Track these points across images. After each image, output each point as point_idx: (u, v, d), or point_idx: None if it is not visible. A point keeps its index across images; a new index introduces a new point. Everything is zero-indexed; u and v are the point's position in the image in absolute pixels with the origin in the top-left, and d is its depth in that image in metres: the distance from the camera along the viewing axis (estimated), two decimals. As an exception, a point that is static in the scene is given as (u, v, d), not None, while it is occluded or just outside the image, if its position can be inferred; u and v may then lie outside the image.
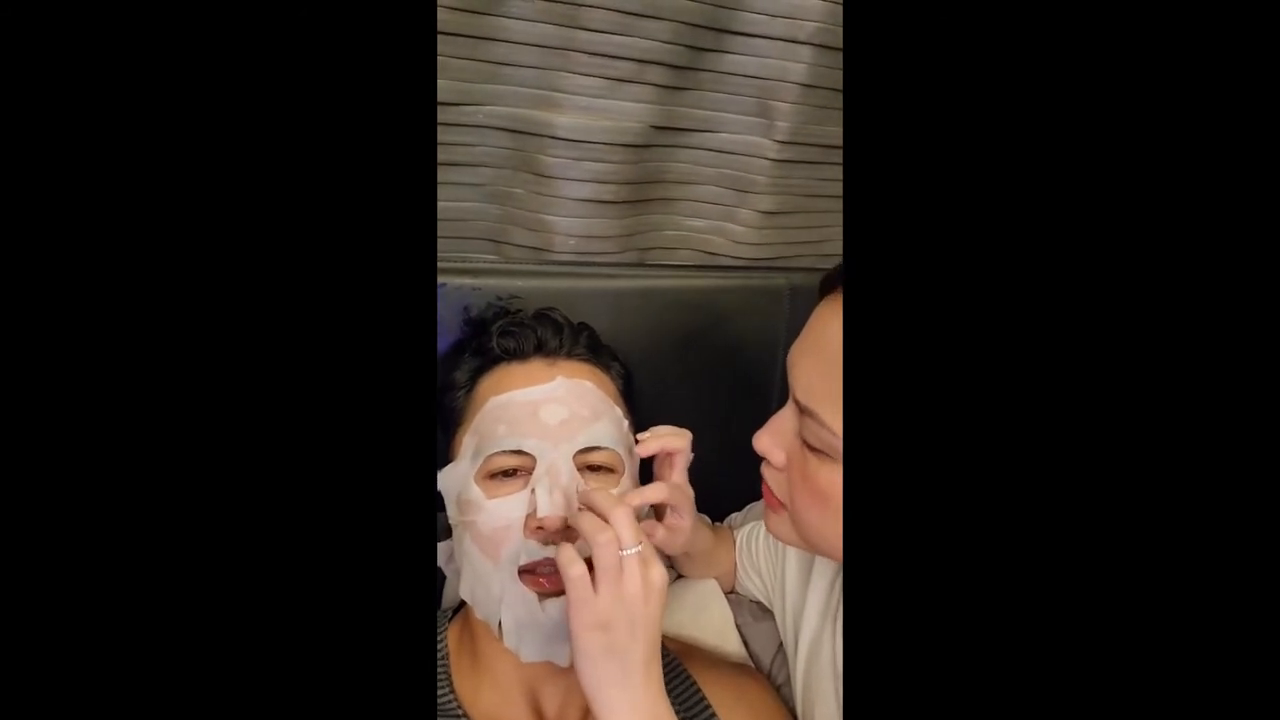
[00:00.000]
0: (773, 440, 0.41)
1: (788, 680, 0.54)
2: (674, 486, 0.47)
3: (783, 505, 0.41)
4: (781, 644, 0.57)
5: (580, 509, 0.39)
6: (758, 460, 0.72)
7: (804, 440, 0.38)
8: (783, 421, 0.40)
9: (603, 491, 0.40)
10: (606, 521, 0.37)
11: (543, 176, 0.58)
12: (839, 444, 0.36)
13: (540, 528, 0.40)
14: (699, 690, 0.46)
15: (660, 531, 0.48)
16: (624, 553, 0.36)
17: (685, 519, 0.49)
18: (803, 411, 0.38)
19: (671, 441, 0.47)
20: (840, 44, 0.59)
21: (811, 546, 0.42)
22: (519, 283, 0.58)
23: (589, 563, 0.36)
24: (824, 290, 0.40)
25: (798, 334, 0.68)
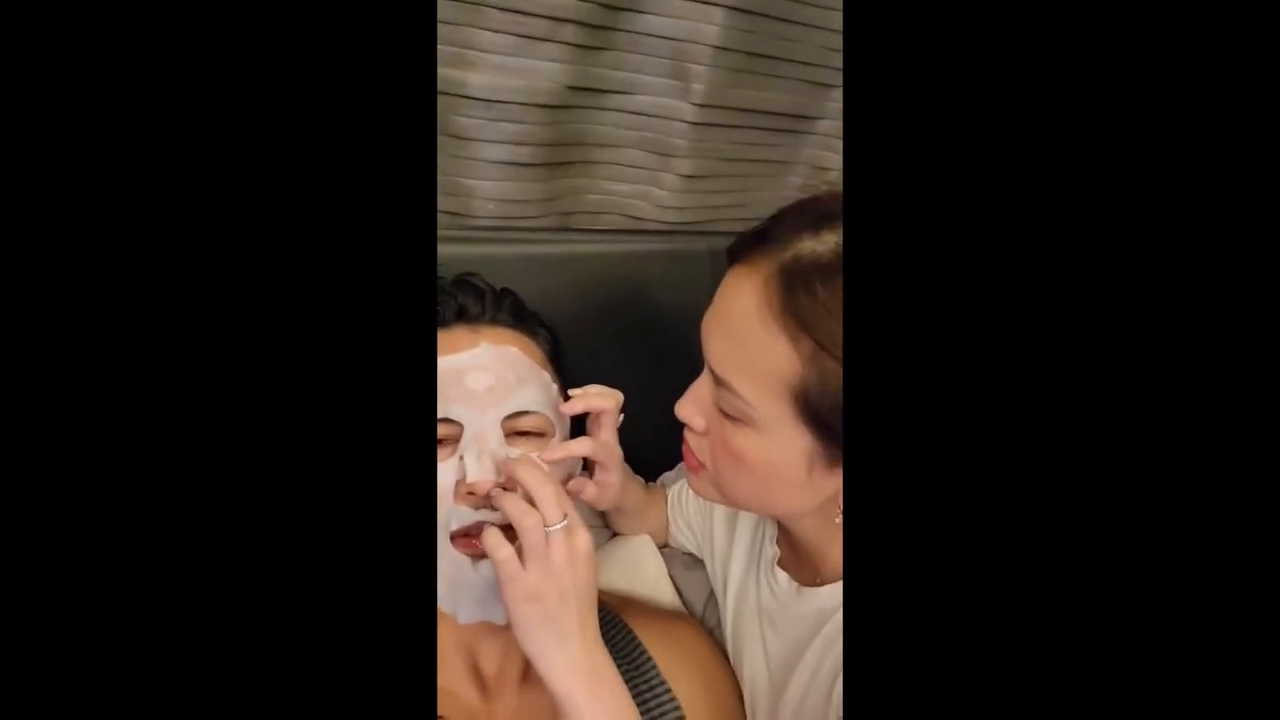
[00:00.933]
0: (693, 408, 0.42)
1: (719, 624, 0.57)
2: (601, 444, 0.48)
3: (703, 466, 0.43)
4: (712, 590, 0.59)
5: (503, 487, 0.40)
6: (682, 425, 0.74)
7: (720, 408, 0.40)
8: (701, 389, 0.42)
9: (527, 464, 0.40)
10: (531, 497, 0.38)
11: (458, 138, 0.57)
12: (753, 411, 0.37)
13: (471, 493, 0.40)
14: (636, 639, 0.48)
15: (590, 488, 0.49)
16: (549, 529, 0.37)
17: (613, 475, 0.50)
18: (718, 382, 0.39)
19: (598, 401, 0.48)
20: (751, 7, 0.60)
21: (732, 503, 0.44)
22: (438, 249, 0.56)
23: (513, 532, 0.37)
24: (732, 258, 0.41)
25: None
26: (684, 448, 0.45)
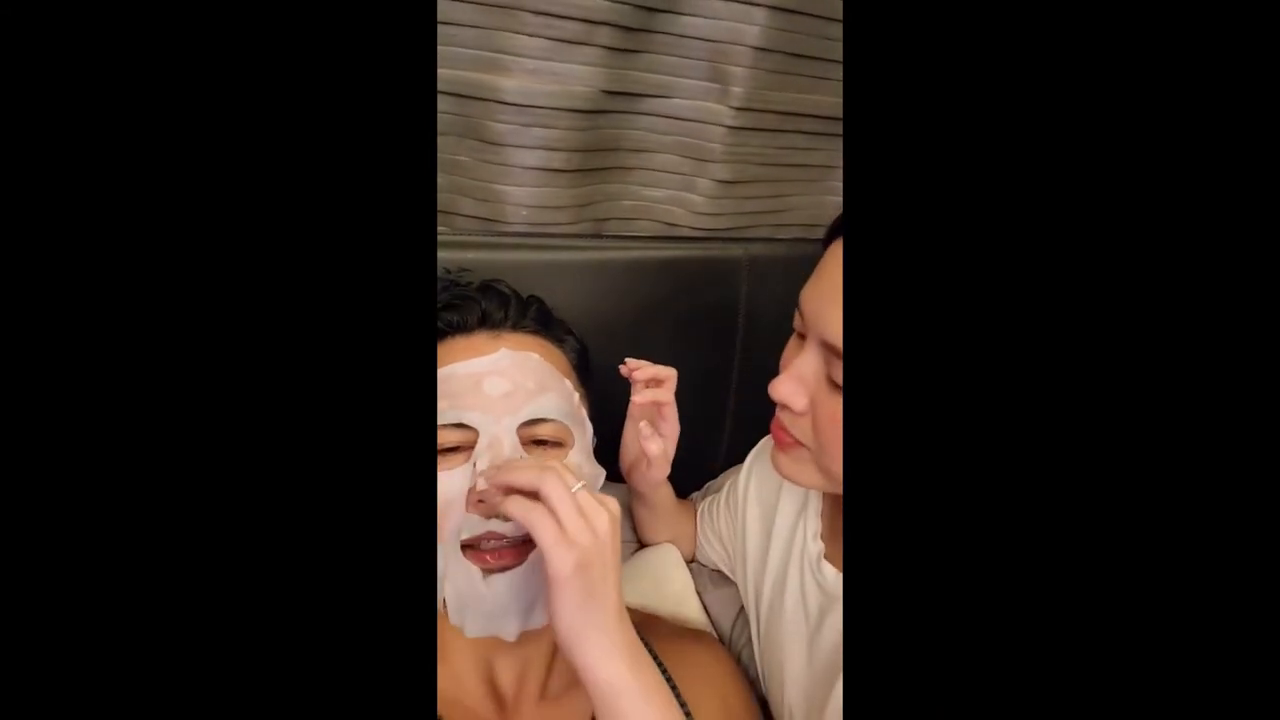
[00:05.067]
0: (794, 387, 0.40)
1: (748, 643, 0.54)
2: (670, 391, 0.52)
3: (800, 445, 0.42)
4: (741, 609, 0.57)
5: (504, 489, 0.37)
6: (717, 433, 0.72)
7: (833, 382, 0.39)
8: (804, 366, 0.40)
9: (517, 463, 0.39)
10: (536, 490, 0.35)
11: (490, 144, 0.56)
12: None
13: (482, 501, 0.39)
14: (656, 658, 0.47)
15: (656, 441, 0.51)
16: (575, 489, 0.35)
17: (673, 434, 0.53)
18: (837, 355, 0.38)
19: (663, 369, 0.52)
20: (793, 6, 0.58)
21: (830, 480, 0.42)
22: (470, 255, 0.56)
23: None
24: (834, 235, 0.41)
25: (756, 305, 0.68)
26: (774, 428, 0.43)
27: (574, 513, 0.34)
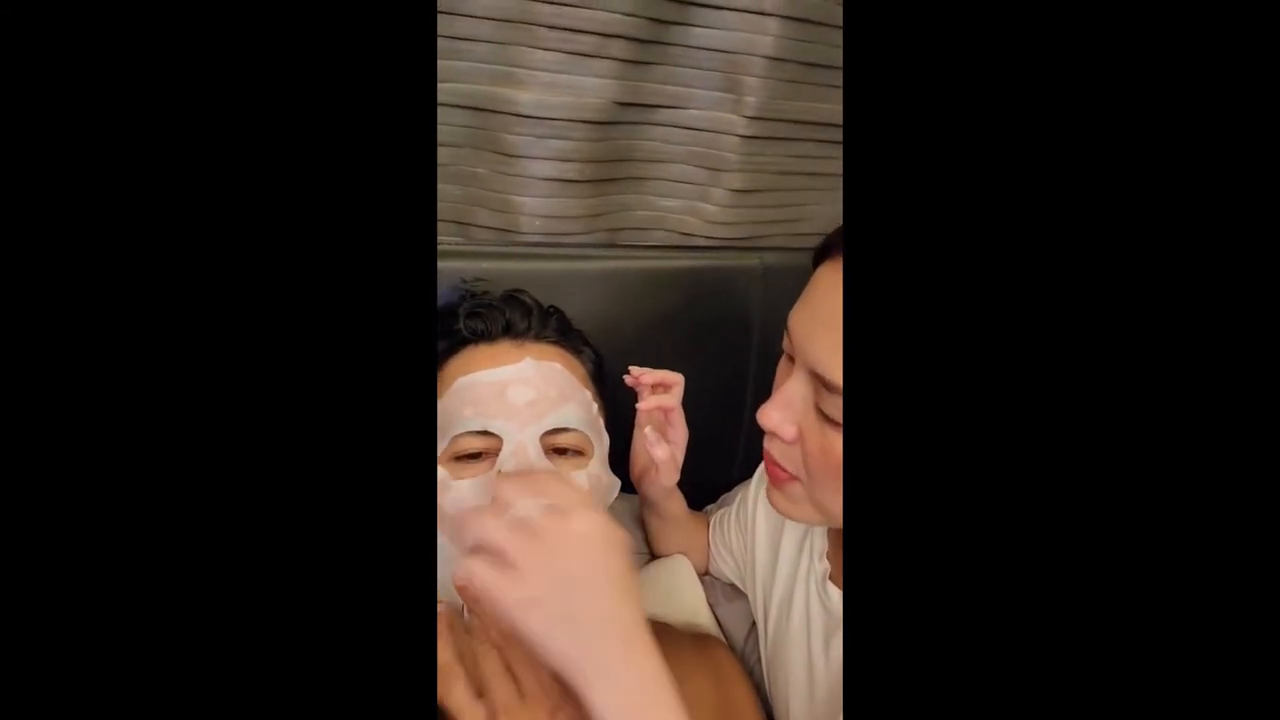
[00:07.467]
0: (783, 415, 0.38)
1: (760, 660, 0.54)
2: (678, 397, 0.51)
3: (794, 478, 0.39)
4: (754, 623, 0.57)
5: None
6: (731, 444, 0.72)
7: (822, 413, 0.36)
8: (792, 394, 0.38)
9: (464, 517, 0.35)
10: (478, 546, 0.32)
11: (506, 155, 0.57)
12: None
13: None
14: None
15: (664, 446, 0.50)
16: (517, 514, 0.32)
17: (682, 439, 0.52)
18: (825, 386, 0.35)
19: (670, 374, 0.52)
20: (806, 15, 0.58)
21: (826, 516, 0.40)
22: (485, 265, 0.57)
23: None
24: (823, 256, 0.37)
25: (772, 314, 0.68)
26: (766, 460, 0.41)
27: (509, 544, 0.31)
